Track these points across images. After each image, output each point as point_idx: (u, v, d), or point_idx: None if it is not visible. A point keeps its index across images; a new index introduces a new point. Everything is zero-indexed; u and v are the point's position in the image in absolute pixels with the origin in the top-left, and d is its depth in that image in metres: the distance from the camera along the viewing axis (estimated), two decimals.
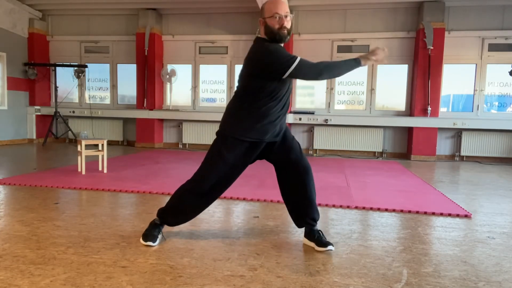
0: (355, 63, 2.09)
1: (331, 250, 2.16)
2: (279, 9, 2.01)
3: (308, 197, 2.25)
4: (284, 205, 3.20)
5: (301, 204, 2.27)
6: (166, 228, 2.50)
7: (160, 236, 2.27)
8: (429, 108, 6.91)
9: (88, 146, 5.55)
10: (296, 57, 2.00)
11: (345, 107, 7.75)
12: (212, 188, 2.18)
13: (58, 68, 8.21)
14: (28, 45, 8.33)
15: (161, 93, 8.24)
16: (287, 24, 2.03)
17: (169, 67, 8.00)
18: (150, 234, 2.24)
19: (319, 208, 3.13)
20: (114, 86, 8.55)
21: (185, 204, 2.24)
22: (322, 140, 7.55)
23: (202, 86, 8.21)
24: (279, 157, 2.26)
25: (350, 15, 7.42)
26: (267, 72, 2.03)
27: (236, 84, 2.21)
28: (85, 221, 2.66)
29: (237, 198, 3.41)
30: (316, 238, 2.22)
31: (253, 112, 2.10)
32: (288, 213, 2.36)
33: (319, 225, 2.55)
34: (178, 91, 8.32)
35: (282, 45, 2.10)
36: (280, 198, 3.33)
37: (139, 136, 8.14)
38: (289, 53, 2.04)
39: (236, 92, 2.19)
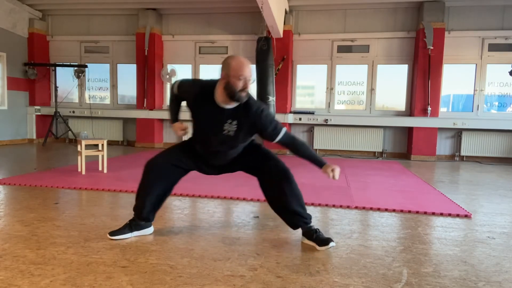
0: (318, 161, 2.23)
1: (333, 246, 2.18)
2: (246, 72, 2.06)
3: (289, 209, 2.27)
4: None
5: (284, 214, 2.32)
6: (166, 228, 2.50)
7: None
8: (429, 108, 6.91)
9: (88, 146, 5.54)
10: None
11: (345, 107, 7.74)
12: None
13: (58, 68, 8.20)
14: (28, 45, 8.33)
15: (161, 93, 8.24)
16: (248, 86, 2.09)
17: (169, 67, 8.00)
18: None
19: (319, 208, 3.14)
20: (114, 86, 8.55)
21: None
22: (322, 140, 7.55)
23: None
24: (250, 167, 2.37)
25: (350, 15, 7.42)
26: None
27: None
28: (85, 221, 2.65)
29: (237, 198, 3.41)
30: (315, 238, 2.22)
31: None
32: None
33: (319, 226, 2.55)
34: None
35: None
36: None
37: (139, 136, 8.14)
38: None
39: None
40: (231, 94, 2.07)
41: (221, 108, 2.15)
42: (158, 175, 2.31)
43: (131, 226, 2.34)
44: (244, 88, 2.06)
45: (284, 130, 2.19)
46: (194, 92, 2.21)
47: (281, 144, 2.21)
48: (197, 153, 2.34)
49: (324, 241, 2.19)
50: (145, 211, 2.33)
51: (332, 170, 2.16)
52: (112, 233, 2.31)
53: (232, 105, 2.14)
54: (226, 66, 2.09)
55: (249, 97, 2.15)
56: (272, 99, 6.63)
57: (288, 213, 2.28)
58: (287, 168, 2.27)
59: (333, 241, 2.19)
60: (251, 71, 2.10)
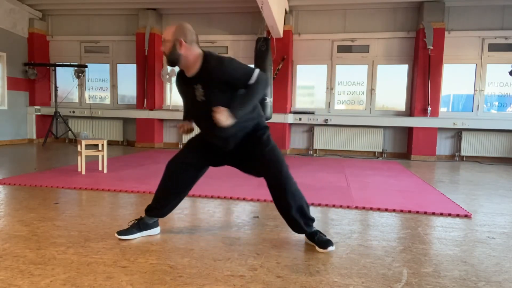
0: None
1: (331, 250, 2.16)
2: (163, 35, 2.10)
3: (287, 215, 2.24)
4: None
5: (285, 219, 2.28)
6: (166, 228, 2.50)
7: None
8: (429, 108, 6.91)
9: (88, 146, 5.55)
10: None
11: (345, 107, 7.75)
12: None
13: (58, 68, 8.20)
14: (28, 45, 8.33)
15: (161, 93, 8.24)
16: (163, 49, 2.07)
17: (169, 67, 8.00)
18: None
19: (319, 208, 3.13)
20: (114, 86, 8.55)
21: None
22: (322, 140, 7.55)
23: None
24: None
25: (350, 15, 7.42)
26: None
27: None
28: (85, 221, 2.66)
29: (237, 198, 3.41)
30: (316, 240, 2.21)
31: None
32: None
33: (319, 226, 2.55)
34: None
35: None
36: None
37: (139, 136, 8.14)
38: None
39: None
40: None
41: (188, 79, 2.12)
42: (176, 177, 2.27)
43: (140, 225, 2.33)
44: (164, 51, 2.07)
45: (257, 71, 2.08)
46: (177, 79, 2.24)
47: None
48: (205, 144, 2.28)
49: (323, 244, 2.18)
50: (163, 210, 2.34)
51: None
52: (120, 233, 2.30)
53: (194, 71, 2.08)
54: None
55: (210, 55, 2.08)
56: (269, 100, 6.63)
57: (288, 219, 2.26)
58: (285, 178, 2.16)
59: (332, 246, 2.17)
60: (169, 32, 2.04)
